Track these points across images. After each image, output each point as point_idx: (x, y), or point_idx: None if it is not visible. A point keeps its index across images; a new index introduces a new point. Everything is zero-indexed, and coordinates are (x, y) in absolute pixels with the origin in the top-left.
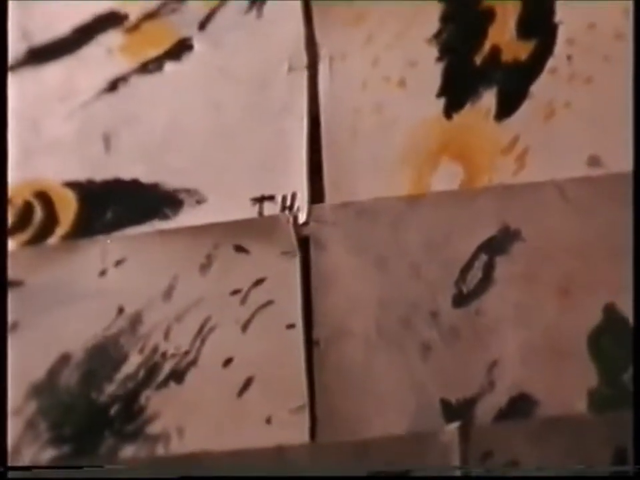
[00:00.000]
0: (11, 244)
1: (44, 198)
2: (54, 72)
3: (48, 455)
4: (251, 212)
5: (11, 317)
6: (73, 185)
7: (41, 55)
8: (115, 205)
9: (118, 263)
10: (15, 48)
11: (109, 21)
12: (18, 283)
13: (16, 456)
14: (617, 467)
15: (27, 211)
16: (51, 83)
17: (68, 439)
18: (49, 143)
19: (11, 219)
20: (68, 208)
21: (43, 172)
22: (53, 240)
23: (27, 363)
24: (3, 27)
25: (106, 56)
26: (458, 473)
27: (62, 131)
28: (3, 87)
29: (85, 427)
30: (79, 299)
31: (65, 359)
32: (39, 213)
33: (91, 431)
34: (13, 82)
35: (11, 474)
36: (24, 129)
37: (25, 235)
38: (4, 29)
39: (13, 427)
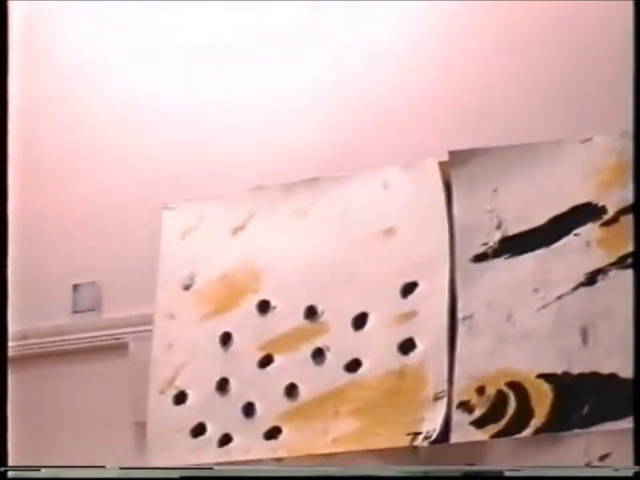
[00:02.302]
0: (484, 434)
1: (518, 388)
2: (528, 262)
3: None
4: None
5: None
6: (547, 377)
7: (515, 245)
8: (592, 398)
9: (603, 457)
10: (490, 237)
11: (585, 213)
12: (498, 475)
13: None
14: (617, 468)
15: (500, 402)
16: (525, 273)
17: None
18: (523, 333)
19: (484, 409)
20: (543, 400)
21: (517, 362)
22: (527, 432)
23: None
24: (3, 27)
25: (584, 248)
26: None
27: (536, 321)
28: (3, 90)
29: None
30: None
31: None
32: (512, 404)
33: None
34: (487, 271)
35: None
36: (498, 318)
37: (499, 426)
38: (4, 29)
39: None
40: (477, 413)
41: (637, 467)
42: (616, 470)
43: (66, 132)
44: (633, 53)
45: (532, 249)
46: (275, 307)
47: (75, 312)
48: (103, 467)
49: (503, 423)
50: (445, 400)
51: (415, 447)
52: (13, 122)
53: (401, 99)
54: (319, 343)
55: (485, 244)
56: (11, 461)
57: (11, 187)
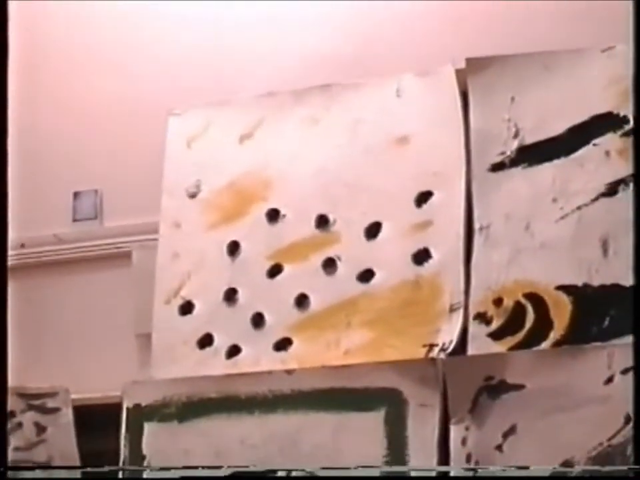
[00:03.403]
0: (502, 346)
1: (536, 300)
2: (547, 172)
3: None
4: None
5: (509, 420)
6: (567, 289)
7: (533, 154)
8: (613, 311)
9: (625, 370)
10: (507, 146)
11: (605, 122)
12: (519, 387)
13: None
14: (617, 468)
15: (518, 313)
16: (544, 184)
17: None
18: (541, 244)
19: (502, 320)
20: (562, 312)
21: (535, 273)
22: (546, 344)
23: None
24: (3, 27)
25: (603, 159)
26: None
27: (555, 232)
28: (3, 89)
29: None
30: (581, 405)
31: (567, 465)
32: (531, 316)
33: None
34: (504, 181)
35: (10, 474)
36: (515, 229)
37: (517, 338)
38: (4, 29)
39: None
40: (495, 324)
41: (637, 467)
42: (616, 470)
43: (69, 33)
44: (633, 53)
45: (550, 159)
46: (284, 216)
47: (75, 220)
48: (101, 466)
49: (521, 335)
50: (462, 311)
51: (432, 359)
52: (16, 28)
53: (415, 4)
54: (330, 252)
55: (502, 153)
56: (11, 376)
57: (10, 88)
